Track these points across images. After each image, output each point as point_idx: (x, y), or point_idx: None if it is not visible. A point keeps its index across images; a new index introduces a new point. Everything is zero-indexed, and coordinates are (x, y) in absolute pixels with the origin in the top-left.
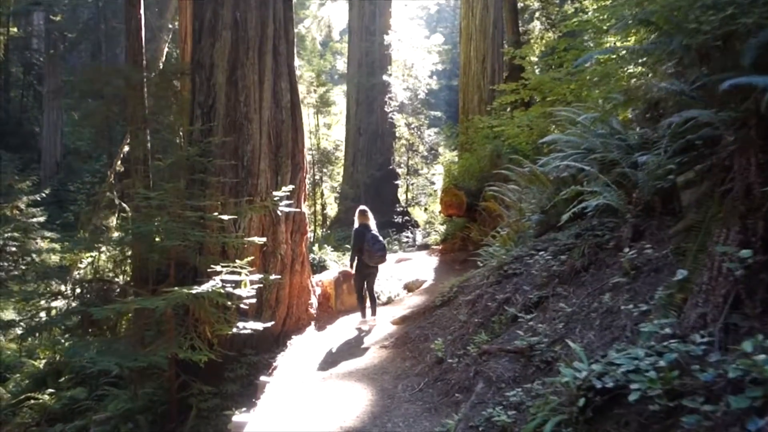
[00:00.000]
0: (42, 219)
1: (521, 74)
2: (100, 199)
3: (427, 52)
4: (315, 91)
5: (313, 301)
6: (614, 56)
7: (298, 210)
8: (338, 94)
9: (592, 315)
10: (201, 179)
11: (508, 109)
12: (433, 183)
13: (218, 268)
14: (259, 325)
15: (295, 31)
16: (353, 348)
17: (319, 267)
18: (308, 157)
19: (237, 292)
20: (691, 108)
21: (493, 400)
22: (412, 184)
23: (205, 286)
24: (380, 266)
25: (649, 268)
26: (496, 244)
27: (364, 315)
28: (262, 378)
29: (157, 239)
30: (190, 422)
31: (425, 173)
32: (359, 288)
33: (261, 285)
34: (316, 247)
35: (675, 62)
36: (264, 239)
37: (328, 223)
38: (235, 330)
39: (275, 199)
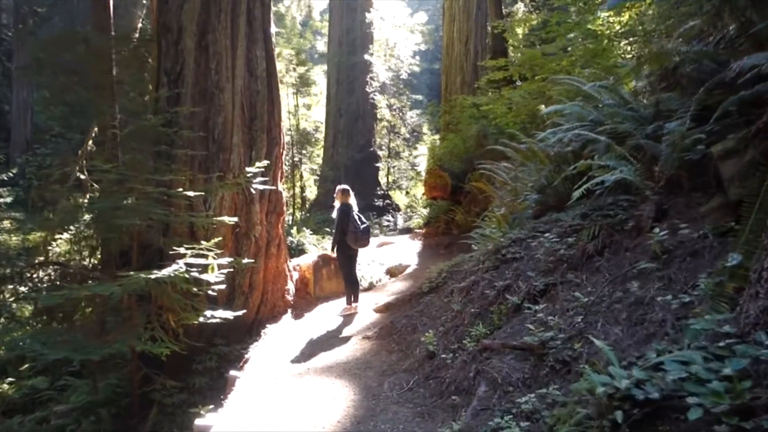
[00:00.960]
0: (9, 199)
1: (506, 55)
2: (52, 174)
3: (410, 31)
4: (294, 69)
5: (290, 286)
6: (607, 32)
7: (274, 188)
8: (318, 74)
9: (617, 306)
10: (167, 153)
11: (494, 89)
12: (415, 166)
13: (182, 250)
14: (229, 314)
15: (274, 9)
16: (333, 338)
17: (297, 251)
18: (287, 138)
19: (204, 277)
20: (712, 72)
21: (500, 407)
22: (394, 167)
23: (167, 271)
24: (361, 250)
25: (683, 251)
26: (492, 226)
27: (349, 302)
28: (232, 372)
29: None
30: (151, 419)
31: (407, 156)
32: (348, 272)
33: (233, 269)
34: (294, 230)
35: (704, 18)
36: (236, 219)
37: (307, 206)
38: (202, 319)
39: (248, 175)
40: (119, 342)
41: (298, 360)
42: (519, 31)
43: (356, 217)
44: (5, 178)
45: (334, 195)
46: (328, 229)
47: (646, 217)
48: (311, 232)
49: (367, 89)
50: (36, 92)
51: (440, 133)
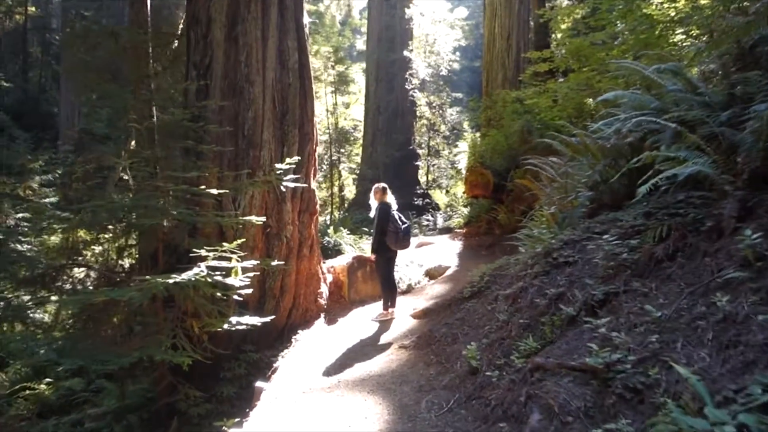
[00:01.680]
0: (54, 199)
1: (550, 46)
2: (76, 171)
3: (450, 27)
4: (333, 67)
5: (324, 290)
6: (661, 18)
7: (306, 186)
8: (357, 72)
9: (700, 324)
10: (194, 149)
11: (539, 83)
12: (455, 164)
13: (203, 252)
14: (256, 320)
15: (314, 8)
16: (367, 347)
17: (334, 251)
18: (325, 137)
19: (228, 281)
20: None
21: None
22: (434, 165)
23: (188, 274)
24: (400, 251)
25: None
26: (542, 225)
27: (386, 307)
28: (259, 383)
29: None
30: (172, 431)
31: (447, 154)
32: (386, 275)
33: (262, 272)
34: (330, 230)
35: None
36: (264, 219)
37: (345, 205)
38: (226, 326)
39: (279, 172)
40: (139, 351)
41: (329, 371)
42: (563, 26)
43: (397, 217)
44: (51, 179)
45: (371, 194)
46: (366, 229)
47: (728, 216)
48: (348, 232)
49: (406, 86)
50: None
51: (481, 130)
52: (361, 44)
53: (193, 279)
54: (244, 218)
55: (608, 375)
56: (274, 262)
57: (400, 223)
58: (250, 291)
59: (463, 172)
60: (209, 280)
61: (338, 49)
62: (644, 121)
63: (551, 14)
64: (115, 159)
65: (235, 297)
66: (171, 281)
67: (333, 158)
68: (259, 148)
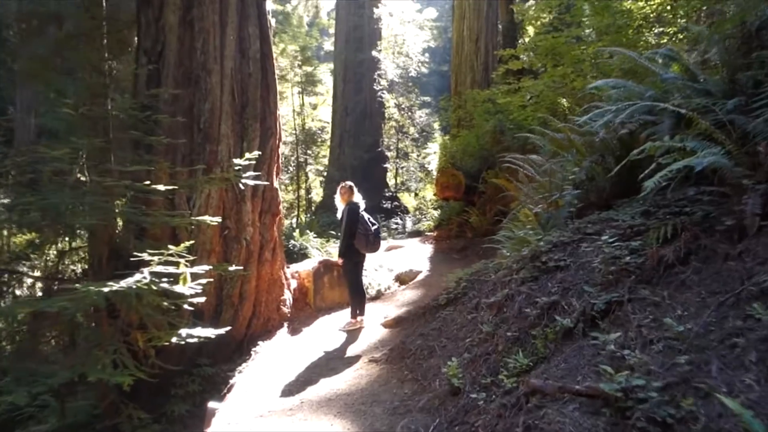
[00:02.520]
0: (5, 201)
1: (517, 50)
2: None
3: (419, 27)
4: (300, 66)
5: (287, 297)
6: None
7: (268, 185)
8: (325, 72)
9: (738, 341)
10: (143, 141)
11: (510, 82)
12: (425, 166)
13: (146, 256)
14: (210, 332)
15: (280, 8)
16: (334, 360)
17: (300, 255)
18: (291, 138)
19: (176, 289)
20: None
21: None
22: (402, 168)
23: (127, 281)
24: (369, 255)
25: None
26: (527, 227)
27: (354, 315)
28: (211, 404)
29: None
30: None
31: (416, 157)
32: (354, 280)
33: (218, 278)
34: (296, 233)
35: None
36: (219, 220)
37: (313, 208)
38: (175, 339)
39: (237, 169)
40: (70, 370)
41: (291, 389)
42: (532, 27)
43: (366, 218)
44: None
45: (337, 194)
46: (333, 232)
47: (751, 213)
48: (315, 236)
49: (374, 87)
50: (41, 93)
51: (451, 131)
52: (329, 45)
53: (134, 287)
54: (197, 218)
55: (626, 404)
56: (232, 267)
57: (370, 225)
58: (203, 299)
59: (434, 173)
60: (154, 287)
61: (305, 48)
62: (638, 111)
63: (524, 12)
64: (51, 153)
65: (188, 306)
66: (106, 289)
67: (300, 160)
68: (216, 143)
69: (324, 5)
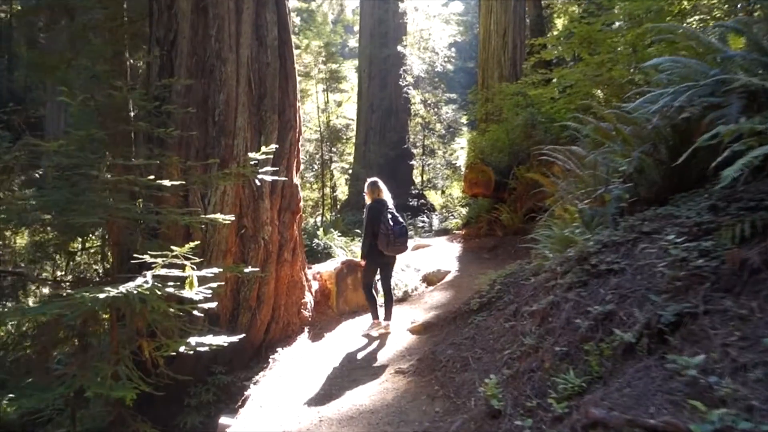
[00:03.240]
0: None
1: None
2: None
3: (445, 21)
4: (324, 63)
5: (308, 299)
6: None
7: (287, 181)
8: (350, 69)
9: None
10: (151, 134)
11: (545, 72)
12: (452, 163)
13: (147, 258)
14: (222, 340)
15: (304, 5)
16: (358, 370)
17: (324, 254)
18: (316, 135)
19: (184, 293)
20: None
21: None
22: (429, 165)
23: (128, 286)
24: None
25: None
26: (571, 224)
27: (375, 316)
28: (223, 419)
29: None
30: None
31: (442, 154)
32: (368, 282)
33: (234, 280)
34: (320, 232)
35: None
36: (232, 218)
37: (338, 206)
38: (183, 349)
39: (253, 163)
40: (65, 385)
41: (309, 404)
42: (559, 22)
43: (390, 216)
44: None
45: (364, 192)
46: (358, 231)
47: None
48: (340, 234)
49: (400, 83)
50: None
51: (479, 126)
52: (353, 42)
53: (135, 292)
54: (209, 216)
55: None
56: (248, 269)
57: (392, 224)
58: (213, 305)
59: (462, 170)
60: (158, 292)
61: (329, 44)
62: (700, 93)
63: (552, 4)
64: (45, 146)
65: (199, 312)
66: (103, 295)
67: (325, 158)
68: (232, 136)
69: (348, 3)
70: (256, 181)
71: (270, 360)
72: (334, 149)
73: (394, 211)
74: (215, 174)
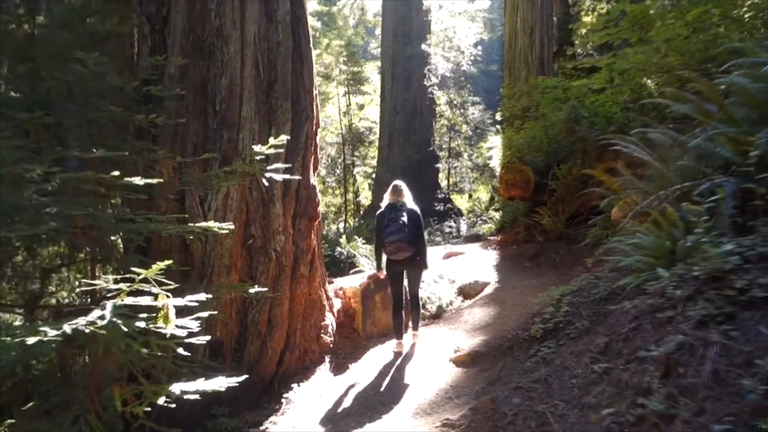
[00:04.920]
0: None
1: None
2: None
3: (470, 19)
4: (346, 63)
5: (329, 321)
6: None
7: (303, 181)
8: (372, 71)
9: None
10: (134, 122)
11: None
12: (479, 166)
13: (101, 283)
14: (219, 384)
15: (325, 8)
16: (392, 417)
17: (348, 264)
18: (337, 139)
19: (159, 328)
20: None
21: None
22: (455, 168)
23: (73, 324)
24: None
25: None
26: (675, 228)
27: (399, 336)
28: None
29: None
30: None
31: (469, 156)
32: (394, 294)
33: (238, 300)
34: (343, 239)
35: None
36: (232, 225)
37: (361, 212)
38: (162, 401)
39: (260, 158)
40: None
41: None
42: (586, 20)
43: (390, 218)
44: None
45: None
46: None
47: None
48: (364, 242)
49: (424, 83)
50: None
51: (506, 124)
52: (375, 44)
53: (87, 331)
54: (201, 225)
55: None
56: (254, 289)
57: (389, 223)
58: (206, 339)
59: (496, 171)
60: (123, 329)
61: (350, 43)
62: None
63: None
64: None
65: (199, 339)
66: (33, 340)
67: (347, 161)
68: (236, 129)
69: (370, 5)
70: (265, 182)
71: (283, 399)
72: (356, 153)
73: (403, 210)
74: (216, 173)
